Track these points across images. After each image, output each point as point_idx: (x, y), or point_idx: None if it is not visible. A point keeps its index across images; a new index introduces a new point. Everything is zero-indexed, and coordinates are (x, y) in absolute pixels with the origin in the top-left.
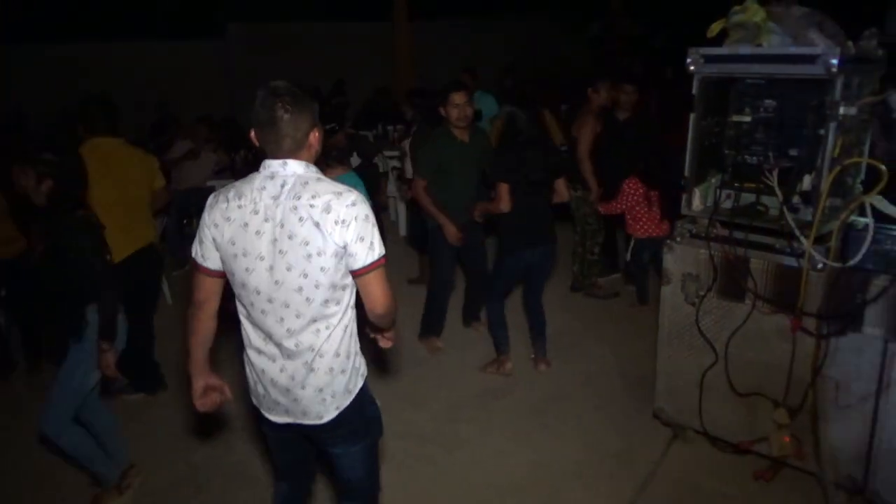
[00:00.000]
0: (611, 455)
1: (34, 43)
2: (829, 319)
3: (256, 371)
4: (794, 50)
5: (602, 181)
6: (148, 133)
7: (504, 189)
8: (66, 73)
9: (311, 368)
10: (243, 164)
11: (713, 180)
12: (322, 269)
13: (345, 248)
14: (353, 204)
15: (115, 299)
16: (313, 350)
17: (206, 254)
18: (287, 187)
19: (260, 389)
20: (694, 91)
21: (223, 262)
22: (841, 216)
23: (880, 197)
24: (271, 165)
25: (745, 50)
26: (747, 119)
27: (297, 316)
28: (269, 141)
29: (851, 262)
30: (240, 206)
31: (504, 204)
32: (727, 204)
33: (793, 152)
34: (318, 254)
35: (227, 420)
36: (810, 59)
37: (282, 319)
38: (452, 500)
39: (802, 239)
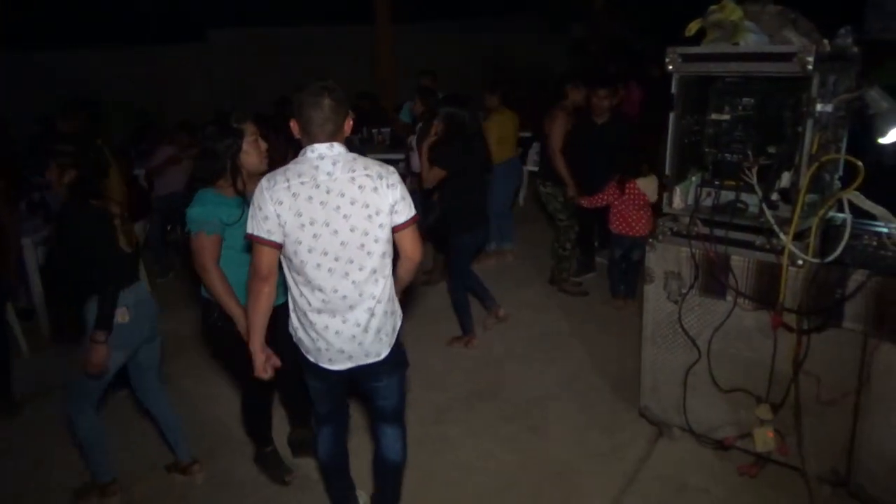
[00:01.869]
0: (596, 454)
1: (14, 50)
2: (810, 315)
3: (318, 329)
4: (770, 48)
5: (579, 180)
6: (129, 139)
7: (438, 173)
8: (47, 80)
9: (372, 314)
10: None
11: (694, 178)
12: (380, 225)
13: (393, 205)
14: (394, 172)
15: (115, 292)
16: (374, 297)
17: (272, 229)
18: (339, 164)
19: (322, 345)
20: (673, 90)
21: (287, 234)
22: (819, 212)
23: (857, 193)
24: (318, 149)
25: (722, 49)
26: (726, 117)
27: (360, 269)
28: (315, 126)
29: (830, 258)
30: (302, 183)
31: (428, 183)
32: (708, 202)
33: (771, 150)
34: (377, 213)
35: (210, 427)
36: (786, 58)
37: (347, 274)
38: (439, 503)
39: (782, 235)
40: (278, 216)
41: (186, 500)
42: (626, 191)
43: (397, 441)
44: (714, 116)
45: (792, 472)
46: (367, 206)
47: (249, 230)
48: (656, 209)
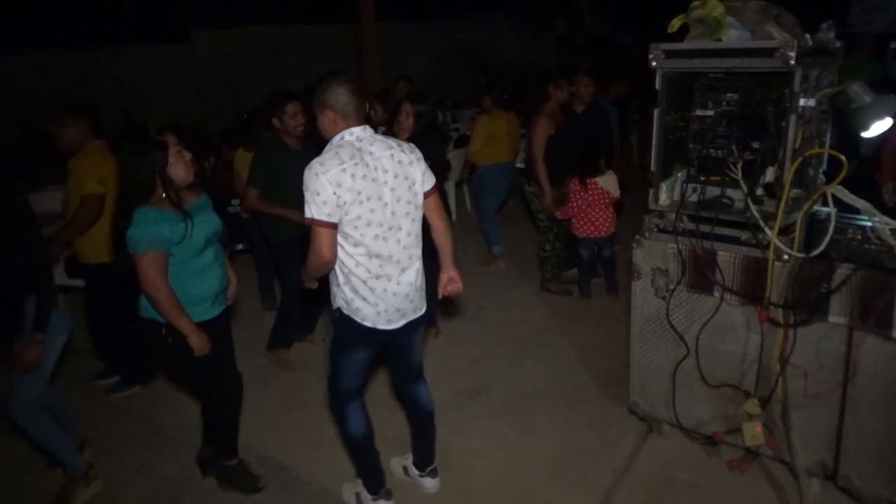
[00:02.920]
0: (586, 452)
1: None
2: (796, 309)
3: (377, 294)
4: (752, 44)
5: (557, 182)
6: (114, 141)
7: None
8: (29, 81)
9: (417, 271)
10: (213, 171)
11: (679, 174)
12: (416, 194)
13: (423, 176)
14: (416, 149)
15: (51, 292)
16: (418, 258)
17: (332, 212)
18: (376, 143)
19: (381, 307)
20: (657, 86)
21: (347, 213)
22: (804, 207)
23: (841, 187)
24: (355, 131)
25: (705, 45)
26: (710, 113)
27: (408, 234)
28: (350, 113)
29: (815, 252)
30: (355, 164)
31: None
32: (693, 198)
33: (756, 145)
34: (413, 184)
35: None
36: (768, 53)
37: (398, 241)
38: None
39: (767, 230)
40: (338, 197)
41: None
42: (589, 191)
43: (428, 392)
44: (698, 112)
45: (781, 466)
46: (406, 178)
47: (309, 215)
48: (619, 205)
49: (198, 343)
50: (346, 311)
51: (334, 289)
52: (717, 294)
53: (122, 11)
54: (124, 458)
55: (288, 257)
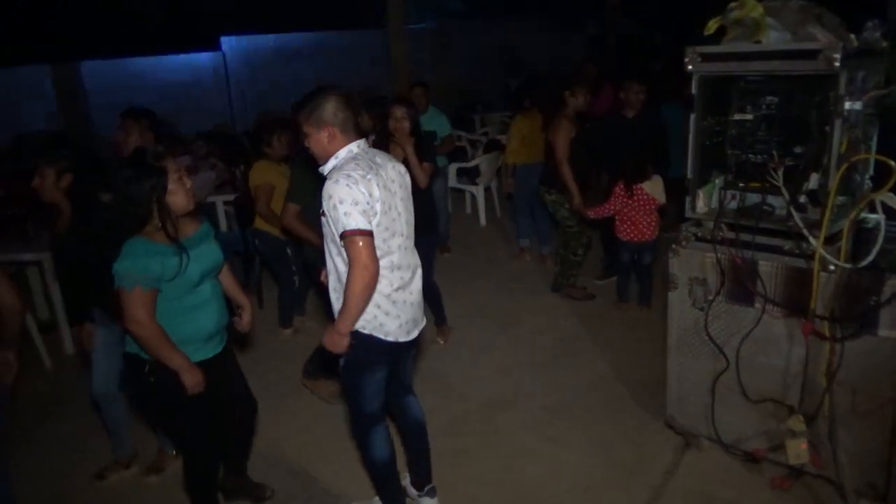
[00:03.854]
0: (621, 466)
1: (32, 63)
2: (843, 322)
3: (398, 307)
4: (793, 46)
5: (588, 185)
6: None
7: (429, 168)
8: (63, 92)
9: (420, 278)
10: (243, 177)
11: (717, 181)
12: (412, 202)
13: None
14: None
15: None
16: (419, 265)
17: (372, 220)
18: (378, 155)
19: (403, 319)
20: (693, 90)
21: (379, 223)
22: (850, 215)
23: (891, 194)
24: (360, 144)
25: (744, 47)
26: (749, 117)
27: (412, 240)
28: (349, 127)
29: (863, 263)
30: (376, 175)
31: (425, 182)
32: (732, 205)
33: (798, 150)
34: (409, 194)
35: None
36: (811, 55)
37: (408, 248)
38: None
39: (812, 239)
40: (370, 207)
41: None
42: (635, 196)
43: (419, 403)
44: (737, 116)
45: (827, 485)
46: (406, 187)
47: (354, 226)
48: (662, 211)
49: (191, 381)
50: (366, 331)
51: None
52: (758, 305)
53: (155, 20)
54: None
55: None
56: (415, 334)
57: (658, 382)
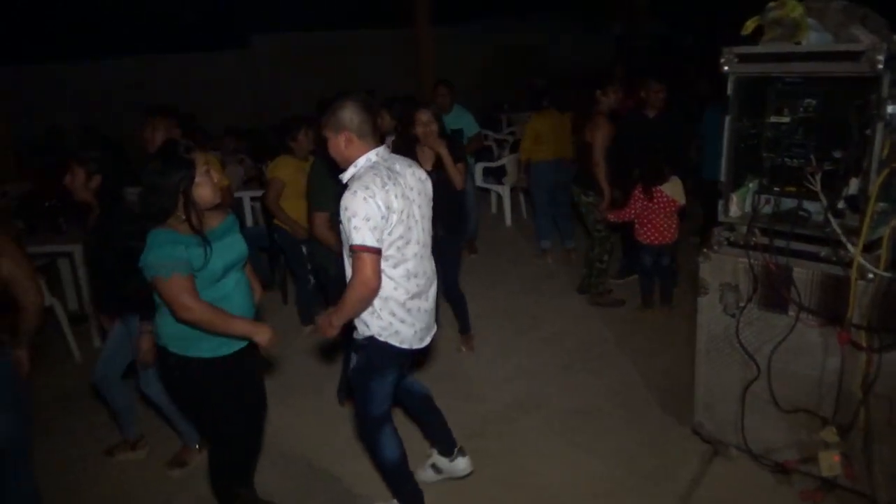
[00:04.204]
0: (645, 473)
1: (63, 61)
2: (881, 332)
3: (413, 314)
4: (835, 47)
5: (616, 186)
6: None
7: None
8: (94, 89)
9: (435, 285)
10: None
11: (751, 185)
12: (431, 208)
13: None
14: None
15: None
16: (434, 271)
17: (380, 237)
18: (398, 163)
19: (417, 327)
20: (728, 92)
21: (392, 234)
22: (891, 221)
23: None
24: (379, 151)
25: (783, 48)
26: (786, 120)
27: (428, 248)
28: (367, 132)
29: None
30: (395, 184)
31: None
32: (766, 210)
33: (837, 154)
34: (429, 200)
35: None
36: (853, 57)
37: (424, 256)
38: None
39: (850, 247)
40: (385, 221)
41: None
42: (654, 200)
43: (416, 380)
44: (773, 119)
45: (859, 499)
46: (426, 194)
47: (360, 242)
48: (683, 213)
49: (264, 339)
50: (381, 338)
51: (366, 317)
52: (792, 313)
53: (184, 18)
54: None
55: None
56: (427, 341)
57: (684, 388)
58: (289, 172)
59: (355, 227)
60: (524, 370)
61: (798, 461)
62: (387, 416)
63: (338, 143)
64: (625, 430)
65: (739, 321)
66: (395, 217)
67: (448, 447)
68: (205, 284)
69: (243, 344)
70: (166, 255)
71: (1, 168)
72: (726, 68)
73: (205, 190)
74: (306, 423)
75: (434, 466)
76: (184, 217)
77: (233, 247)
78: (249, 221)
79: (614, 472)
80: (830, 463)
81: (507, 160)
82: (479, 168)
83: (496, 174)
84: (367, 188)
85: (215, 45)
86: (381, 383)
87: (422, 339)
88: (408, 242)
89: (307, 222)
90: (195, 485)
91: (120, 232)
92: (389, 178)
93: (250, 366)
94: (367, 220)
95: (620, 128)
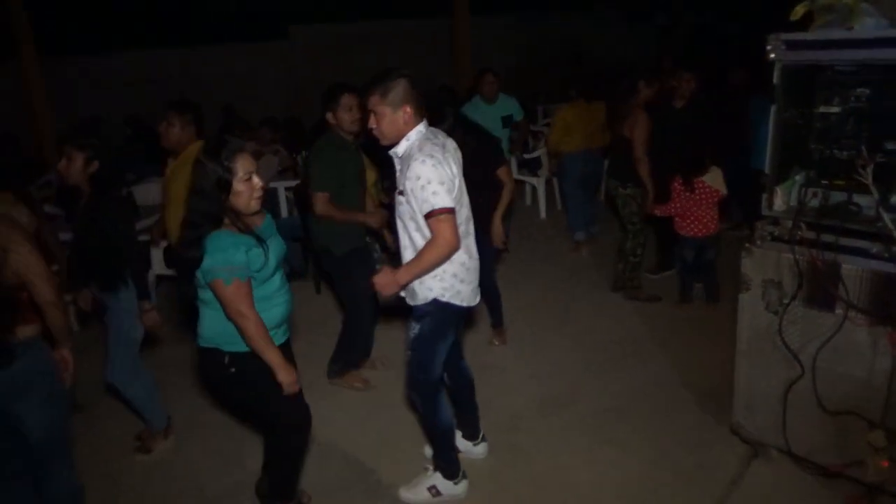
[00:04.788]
0: (681, 473)
1: (102, 53)
2: None
3: (471, 273)
4: (891, 33)
5: (655, 180)
6: (215, 136)
7: None
8: (132, 80)
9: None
10: (304, 164)
11: (797, 178)
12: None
13: None
14: None
15: (141, 265)
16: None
17: (454, 197)
18: (440, 135)
19: (474, 284)
20: (775, 81)
21: (455, 199)
22: None
23: None
24: (429, 127)
25: (834, 35)
26: (836, 110)
27: (469, 209)
28: (421, 105)
29: None
30: (446, 151)
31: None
32: (814, 203)
33: (890, 146)
34: (461, 166)
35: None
36: None
37: (469, 217)
38: None
39: None
40: (453, 183)
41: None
42: (696, 191)
43: (468, 365)
44: (822, 109)
45: None
46: (460, 162)
47: (442, 205)
48: (724, 204)
49: (287, 379)
50: (444, 299)
51: (428, 282)
52: (839, 311)
53: (223, 10)
54: (214, 451)
55: (354, 270)
56: (478, 299)
57: (723, 387)
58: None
59: (434, 192)
60: (557, 365)
61: (843, 465)
62: (439, 382)
63: (396, 119)
64: (660, 428)
65: (783, 319)
66: (456, 181)
67: (475, 432)
68: (260, 281)
69: (286, 338)
70: (227, 259)
71: (43, 158)
72: (773, 56)
73: (241, 200)
74: (341, 415)
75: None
76: (232, 222)
77: (277, 244)
78: (284, 212)
79: (649, 471)
80: (878, 468)
81: (541, 152)
82: (513, 160)
83: (531, 166)
84: (432, 156)
85: (254, 36)
86: (444, 346)
87: (476, 297)
88: (462, 205)
89: (309, 204)
90: (227, 472)
91: (108, 216)
92: (443, 148)
93: (290, 355)
94: (442, 183)
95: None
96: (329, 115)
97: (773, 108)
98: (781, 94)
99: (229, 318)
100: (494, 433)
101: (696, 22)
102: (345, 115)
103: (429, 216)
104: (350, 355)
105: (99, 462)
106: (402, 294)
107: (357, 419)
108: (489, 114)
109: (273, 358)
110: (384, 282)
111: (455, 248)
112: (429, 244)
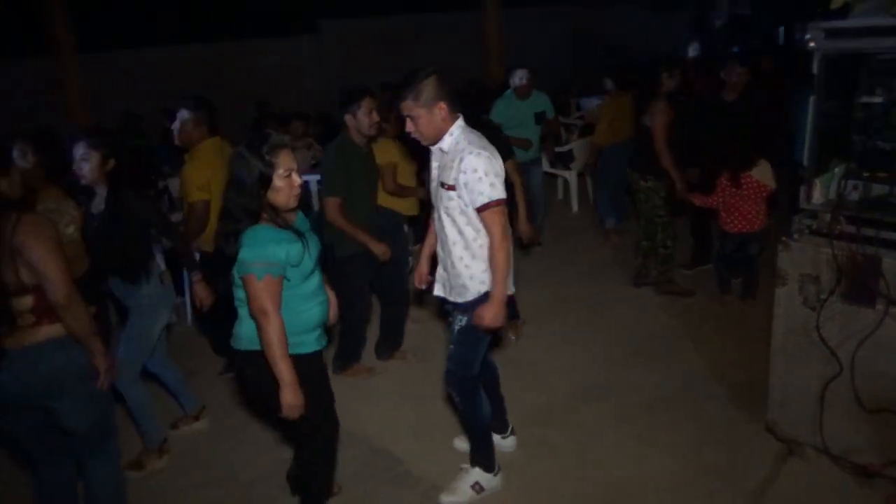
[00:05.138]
0: (713, 470)
1: (137, 47)
2: None
3: (510, 263)
4: None
5: (701, 170)
6: (248, 131)
7: None
8: (168, 75)
9: None
10: None
11: (837, 170)
12: None
13: None
14: None
15: (183, 241)
16: None
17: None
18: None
19: (512, 274)
20: (814, 70)
21: None
22: None
23: None
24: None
25: (877, 21)
26: (879, 100)
27: None
28: (454, 100)
29: None
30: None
31: None
32: (853, 196)
33: None
34: None
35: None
36: None
37: None
38: None
39: None
40: (503, 176)
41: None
42: (743, 186)
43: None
44: (864, 99)
45: None
46: None
47: (497, 197)
48: (773, 198)
49: (293, 401)
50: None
51: (480, 274)
52: (879, 307)
53: (255, 4)
54: (242, 442)
55: (354, 272)
56: (513, 287)
57: (758, 383)
58: (395, 153)
59: (492, 185)
60: (588, 359)
61: (882, 465)
62: (479, 375)
63: (433, 118)
64: (692, 424)
65: (820, 314)
66: (502, 171)
67: (503, 426)
68: (300, 279)
69: (324, 343)
70: (265, 254)
71: None
72: (812, 45)
73: (280, 196)
74: (368, 406)
75: None
76: (270, 217)
77: (314, 243)
78: (316, 206)
79: (680, 467)
80: None
81: (574, 145)
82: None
83: (563, 159)
84: (484, 148)
85: (286, 31)
86: (484, 341)
87: (514, 283)
88: None
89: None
90: (261, 458)
91: (129, 209)
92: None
93: (323, 366)
94: (498, 175)
95: (698, 112)
96: (348, 118)
97: (811, 99)
98: (821, 84)
99: (252, 314)
100: (524, 427)
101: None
102: (364, 119)
103: (484, 208)
104: (353, 350)
105: (132, 449)
106: (442, 294)
107: (385, 410)
108: (522, 110)
109: (285, 369)
110: (490, 316)
111: (509, 238)
112: (492, 246)
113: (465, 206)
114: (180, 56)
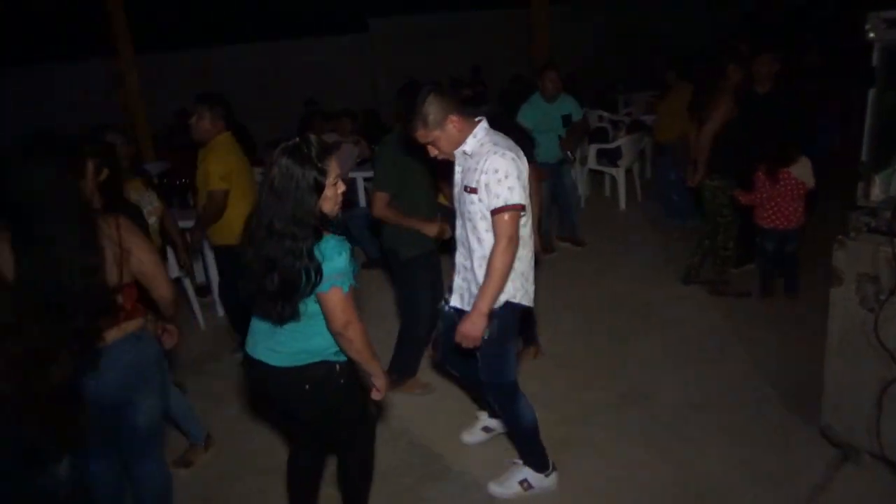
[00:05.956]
0: (763, 475)
1: (188, 48)
2: None
3: (531, 271)
4: None
5: (739, 167)
6: (296, 128)
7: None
8: (220, 74)
9: None
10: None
11: None
12: None
13: None
14: None
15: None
16: None
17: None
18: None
19: (534, 284)
20: (874, 62)
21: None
22: None
23: None
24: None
25: None
26: None
27: None
28: (461, 107)
29: None
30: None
31: None
32: None
33: None
34: None
35: None
36: None
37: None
38: None
39: None
40: (526, 180)
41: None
42: (780, 182)
43: None
44: None
45: None
46: None
47: (516, 201)
48: (811, 196)
49: (384, 385)
50: (515, 300)
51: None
52: None
53: (304, 2)
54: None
55: (418, 275)
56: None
57: (811, 386)
58: None
59: (510, 188)
60: (637, 359)
61: None
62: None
63: (448, 134)
64: (742, 427)
65: (879, 316)
66: (525, 175)
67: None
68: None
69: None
70: (338, 266)
71: (141, 150)
72: (872, 35)
73: (328, 204)
74: (409, 402)
75: (486, 428)
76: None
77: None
78: (363, 201)
79: (728, 472)
80: None
81: (622, 142)
82: (592, 150)
83: (610, 156)
84: (509, 149)
85: (334, 29)
86: (513, 347)
87: (534, 298)
88: (526, 209)
89: (369, 202)
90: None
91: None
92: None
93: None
94: (519, 178)
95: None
96: (453, 118)
97: (871, 91)
98: (882, 75)
99: (334, 328)
100: (568, 426)
101: (788, 5)
102: None
103: (499, 211)
104: (410, 362)
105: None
106: (459, 305)
107: (424, 406)
108: (550, 112)
109: (376, 365)
110: (471, 327)
111: (517, 245)
112: (494, 250)
113: (486, 210)
114: (232, 56)
